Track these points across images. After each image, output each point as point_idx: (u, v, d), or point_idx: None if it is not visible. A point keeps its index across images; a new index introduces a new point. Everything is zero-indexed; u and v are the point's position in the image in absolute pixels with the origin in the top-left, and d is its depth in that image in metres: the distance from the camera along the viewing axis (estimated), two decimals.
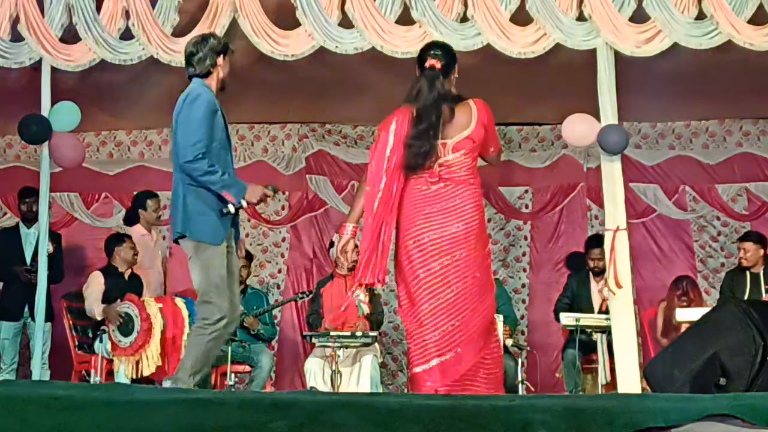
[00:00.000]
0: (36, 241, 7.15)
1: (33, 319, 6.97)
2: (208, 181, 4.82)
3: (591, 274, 7.73)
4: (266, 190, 4.97)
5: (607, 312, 6.60)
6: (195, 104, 4.88)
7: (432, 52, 4.84)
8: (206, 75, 5.00)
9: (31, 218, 7.69)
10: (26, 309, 7.41)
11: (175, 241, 5.07)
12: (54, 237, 7.54)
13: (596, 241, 7.80)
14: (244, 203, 4.90)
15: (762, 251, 7.45)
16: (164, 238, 8.92)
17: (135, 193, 8.18)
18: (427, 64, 4.78)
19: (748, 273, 7.49)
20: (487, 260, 4.78)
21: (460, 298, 4.62)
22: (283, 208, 9.11)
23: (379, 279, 4.70)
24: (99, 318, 6.97)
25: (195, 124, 4.83)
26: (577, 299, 7.71)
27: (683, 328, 6.73)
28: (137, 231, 7.63)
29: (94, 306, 7.03)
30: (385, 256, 4.67)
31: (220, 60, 5.00)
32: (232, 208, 4.87)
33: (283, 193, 9.04)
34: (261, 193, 4.94)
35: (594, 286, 7.69)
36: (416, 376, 4.66)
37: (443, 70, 4.77)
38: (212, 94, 4.96)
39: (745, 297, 7.31)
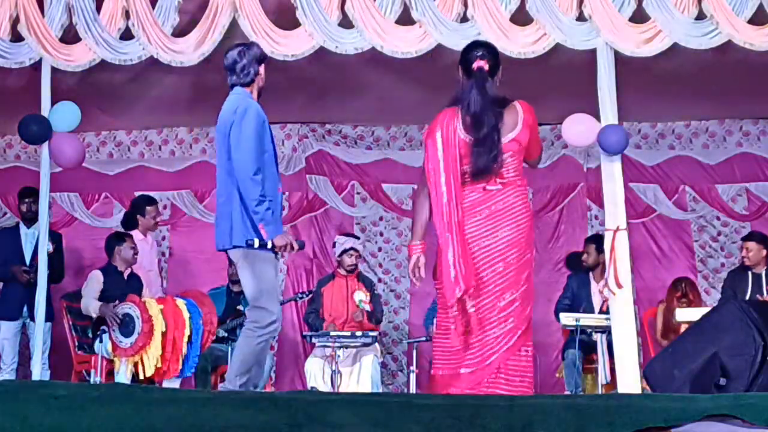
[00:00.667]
0: (36, 240, 7.15)
1: (32, 319, 6.97)
2: (254, 210, 4.87)
3: (591, 273, 7.75)
4: (294, 242, 5.00)
5: (607, 312, 6.60)
6: (247, 117, 4.91)
7: (478, 52, 4.72)
8: (248, 84, 5.04)
9: (30, 218, 7.69)
10: (25, 309, 7.41)
11: (221, 250, 5.12)
12: (54, 237, 7.54)
13: (592, 239, 7.84)
14: (269, 243, 4.93)
15: (765, 251, 7.45)
16: (163, 239, 8.95)
17: (135, 196, 8.20)
18: (475, 66, 4.67)
19: (749, 273, 7.49)
20: (531, 266, 4.67)
21: (507, 307, 4.55)
22: (282, 208, 9.08)
23: (473, 284, 4.51)
24: (94, 315, 6.97)
25: (251, 142, 4.88)
26: (577, 299, 7.72)
27: (683, 328, 6.73)
28: (135, 235, 7.65)
29: (90, 303, 7.03)
30: (468, 259, 4.52)
31: (261, 69, 5.05)
32: (256, 242, 4.90)
33: (283, 193, 9.04)
34: (287, 242, 4.97)
35: (594, 286, 7.69)
36: (440, 378, 4.61)
37: (491, 71, 4.69)
38: (258, 105, 5.00)
39: (747, 297, 7.30)
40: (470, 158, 4.57)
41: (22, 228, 7.82)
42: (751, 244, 7.49)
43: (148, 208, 7.78)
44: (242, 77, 5.02)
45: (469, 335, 4.55)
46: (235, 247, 4.99)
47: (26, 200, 7.76)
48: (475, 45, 4.90)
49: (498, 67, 4.75)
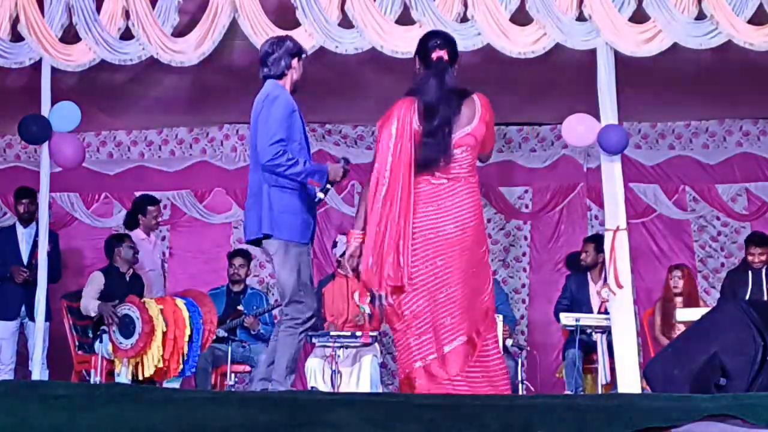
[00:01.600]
0: (32, 240, 7.15)
1: (31, 319, 6.97)
2: (292, 173, 4.81)
3: (589, 274, 7.75)
4: (341, 165, 5.01)
5: (606, 313, 6.60)
6: (274, 105, 4.89)
7: (436, 42, 4.62)
8: (280, 76, 5.01)
9: (27, 218, 7.69)
10: (23, 309, 7.41)
11: (250, 242, 5.06)
12: (50, 236, 7.54)
13: (591, 238, 7.85)
14: (328, 185, 4.93)
15: None
16: (163, 239, 8.95)
17: (136, 196, 8.19)
18: (434, 56, 4.57)
19: (749, 272, 7.49)
20: (483, 258, 4.59)
21: (453, 298, 4.44)
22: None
23: (388, 284, 4.43)
24: (93, 314, 6.97)
25: (275, 124, 4.84)
26: (576, 300, 7.72)
27: (680, 328, 6.75)
28: (136, 235, 7.66)
29: (89, 302, 7.04)
30: (397, 257, 4.42)
31: (294, 62, 5.02)
32: (321, 194, 4.91)
33: None
34: (340, 169, 4.98)
35: (593, 286, 7.69)
36: (411, 373, 4.49)
37: (450, 61, 4.58)
38: (289, 95, 4.97)
39: (747, 296, 7.30)
40: (419, 148, 4.47)
41: (19, 227, 7.81)
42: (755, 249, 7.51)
43: (149, 207, 7.78)
44: (273, 69, 5.00)
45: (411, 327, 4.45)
46: (266, 237, 4.90)
47: (23, 201, 7.75)
48: (434, 34, 4.80)
49: (456, 57, 4.65)
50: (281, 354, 4.89)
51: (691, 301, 7.45)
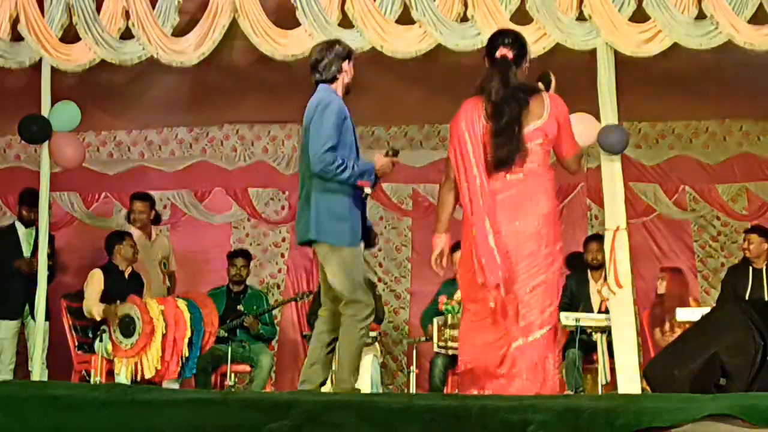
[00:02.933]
0: (34, 240, 7.15)
1: (33, 318, 6.97)
2: (343, 179, 4.86)
3: (590, 270, 7.74)
4: (391, 158, 5.06)
5: (606, 311, 6.59)
6: (327, 111, 4.91)
7: (503, 40, 4.63)
8: (332, 81, 5.05)
9: (28, 221, 7.69)
10: (26, 308, 7.41)
11: (302, 244, 5.12)
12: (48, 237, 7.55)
13: (594, 237, 7.83)
14: (377, 180, 5.00)
15: (766, 245, 7.44)
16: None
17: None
18: (498, 54, 4.59)
19: (750, 268, 7.48)
20: (557, 259, 4.57)
21: (525, 301, 4.44)
22: (282, 207, 9.10)
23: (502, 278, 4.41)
24: (99, 318, 6.97)
25: (327, 131, 4.86)
26: (576, 299, 7.71)
27: (677, 330, 6.74)
28: (134, 231, 7.68)
29: (93, 306, 7.02)
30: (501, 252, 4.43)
31: (345, 65, 5.06)
32: (368, 190, 4.97)
33: (283, 192, 9.05)
34: (387, 161, 5.04)
35: (593, 285, 7.69)
36: (465, 373, 4.56)
37: (515, 60, 4.59)
38: (341, 101, 5.01)
39: (747, 293, 7.30)
40: (491, 148, 4.49)
41: (20, 227, 7.81)
42: (753, 237, 7.48)
43: (135, 202, 7.84)
44: (324, 74, 5.03)
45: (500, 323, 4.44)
46: (316, 242, 4.96)
47: (26, 206, 7.73)
48: (501, 33, 4.80)
49: (524, 57, 4.64)
50: (344, 354, 4.96)
51: (683, 303, 7.43)
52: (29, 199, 7.69)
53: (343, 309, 4.95)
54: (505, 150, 4.48)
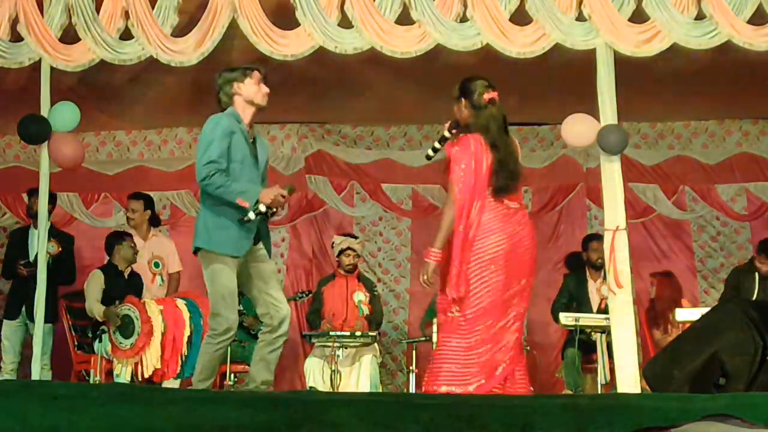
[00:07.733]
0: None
1: (31, 320, 6.96)
2: (223, 194, 4.93)
3: (590, 270, 7.75)
4: (280, 191, 5.01)
5: (606, 311, 6.59)
6: (207, 128, 5.05)
7: (487, 84, 5.08)
8: (230, 105, 5.18)
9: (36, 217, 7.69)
10: (24, 310, 7.40)
11: (194, 252, 5.17)
12: (66, 238, 7.59)
13: (595, 236, 7.83)
14: (261, 207, 4.93)
15: None
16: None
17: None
18: (487, 97, 5.05)
19: (757, 274, 7.48)
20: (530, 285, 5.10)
21: (513, 326, 4.96)
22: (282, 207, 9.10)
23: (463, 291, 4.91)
24: (100, 319, 6.97)
25: (205, 146, 4.99)
26: (575, 298, 7.71)
27: (673, 332, 6.74)
28: (131, 230, 7.71)
29: (95, 307, 7.03)
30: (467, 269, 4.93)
31: (237, 86, 5.16)
32: (252, 215, 4.92)
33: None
34: (275, 193, 4.99)
35: (592, 285, 7.69)
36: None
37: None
38: (231, 119, 5.07)
39: (754, 297, 7.30)
40: (493, 177, 4.98)
41: (32, 229, 7.81)
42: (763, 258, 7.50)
43: (129, 201, 7.84)
44: (222, 104, 5.20)
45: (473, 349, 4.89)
46: (197, 250, 5.07)
47: (34, 200, 7.73)
48: (477, 78, 5.18)
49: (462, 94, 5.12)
50: (198, 361, 5.10)
51: (676, 305, 7.43)
52: (35, 191, 7.70)
53: (209, 320, 5.06)
54: (508, 175, 5.04)
